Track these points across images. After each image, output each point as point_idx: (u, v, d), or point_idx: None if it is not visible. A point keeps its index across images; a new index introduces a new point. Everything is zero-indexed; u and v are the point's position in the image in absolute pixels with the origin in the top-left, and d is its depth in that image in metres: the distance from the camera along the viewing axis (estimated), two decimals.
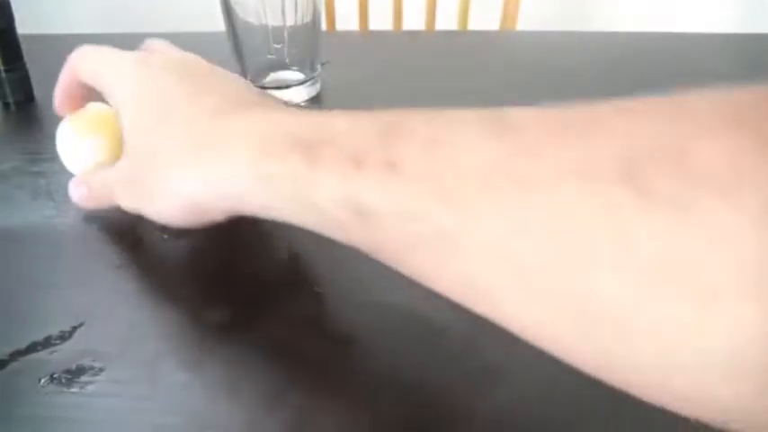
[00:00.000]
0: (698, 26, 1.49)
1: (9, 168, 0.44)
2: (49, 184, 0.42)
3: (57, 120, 0.40)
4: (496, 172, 0.20)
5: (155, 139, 0.32)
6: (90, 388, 0.28)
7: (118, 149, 0.35)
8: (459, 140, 0.22)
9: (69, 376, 0.29)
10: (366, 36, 0.83)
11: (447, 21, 1.20)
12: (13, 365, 0.29)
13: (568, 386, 0.28)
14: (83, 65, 0.37)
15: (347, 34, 0.84)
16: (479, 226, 0.20)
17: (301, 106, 0.52)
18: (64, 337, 0.31)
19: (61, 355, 0.30)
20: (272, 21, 0.51)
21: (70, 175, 0.39)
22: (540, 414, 0.27)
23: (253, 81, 0.52)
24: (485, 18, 1.17)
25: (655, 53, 0.60)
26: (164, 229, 0.37)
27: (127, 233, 0.37)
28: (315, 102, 0.53)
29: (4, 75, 0.51)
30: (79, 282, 0.34)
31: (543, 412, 0.27)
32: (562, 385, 0.28)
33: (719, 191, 0.16)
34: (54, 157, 0.40)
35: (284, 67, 0.52)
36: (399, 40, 0.73)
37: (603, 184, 0.18)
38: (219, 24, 0.51)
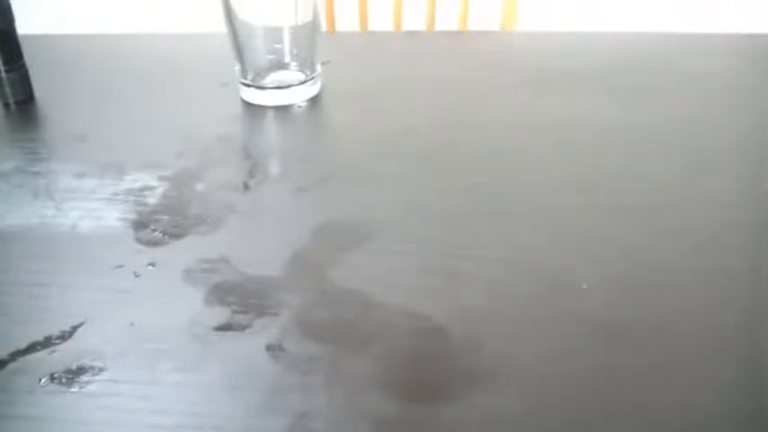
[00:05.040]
0: (698, 26, 1.49)
1: (9, 168, 0.44)
2: (48, 184, 0.42)
3: (57, 120, 0.40)
4: None
5: None
6: (90, 388, 0.28)
7: None
8: None
9: (69, 376, 0.29)
10: (366, 36, 0.83)
11: (447, 21, 1.20)
12: (13, 365, 0.29)
13: (567, 387, 0.28)
14: None
15: (347, 34, 0.84)
16: None
17: (301, 106, 0.52)
18: (64, 337, 0.31)
19: (61, 355, 0.30)
20: (272, 21, 0.51)
21: (70, 175, 0.39)
22: (538, 414, 0.27)
23: (253, 81, 0.52)
24: (485, 18, 1.17)
25: (655, 53, 0.60)
26: (163, 229, 0.37)
27: (126, 233, 0.37)
28: (315, 102, 0.53)
29: (4, 75, 0.51)
30: (79, 282, 0.34)
31: (542, 413, 0.27)
32: (560, 386, 0.28)
33: None
34: (54, 157, 0.40)
35: (284, 67, 0.53)
36: (399, 40, 0.73)
37: None
38: (219, 24, 0.51)
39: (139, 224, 0.38)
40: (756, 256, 0.35)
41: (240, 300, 0.33)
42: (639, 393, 0.27)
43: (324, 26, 1.12)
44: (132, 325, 0.31)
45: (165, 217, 0.39)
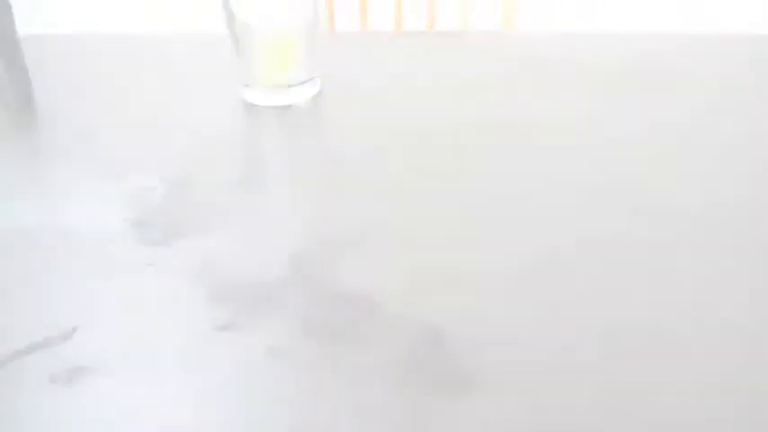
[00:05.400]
0: (698, 26, 1.49)
1: (9, 168, 0.44)
2: (48, 183, 0.42)
3: (57, 120, 0.40)
4: None
5: None
6: (90, 388, 0.28)
7: None
8: None
9: (69, 376, 0.29)
10: (366, 36, 0.83)
11: (447, 21, 1.20)
12: (13, 365, 0.29)
13: (566, 390, 0.28)
14: None
15: (347, 34, 0.84)
16: None
17: (301, 107, 0.52)
18: (64, 337, 0.31)
19: (61, 355, 0.30)
20: (272, 21, 0.51)
21: (70, 175, 0.39)
22: (538, 416, 0.27)
23: (253, 81, 0.52)
24: (485, 18, 1.17)
25: (654, 53, 0.60)
26: (163, 229, 0.37)
27: (126, 233, 0.37)
28: (315, 102, 0.53)
29: (4, 75, 0.51)
30: (79, 282, 0.34)
31: (541, 414, 0.27)
32: (560, 389, 0.28)
33: None
34: (54, 157, 0.40)
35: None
36: (399, 40, 0.73)
37: None
38: (220, 24, 0.51)
39: (139, 224, 0.38)
40: (757, 256, 0.35)
41: (240, 300, 0.33)
42: (640, 397, 0.27)
43: (324, 26, 1.12)
44: (132, 325, 0.31)
45: (165, 217, 0.39)
